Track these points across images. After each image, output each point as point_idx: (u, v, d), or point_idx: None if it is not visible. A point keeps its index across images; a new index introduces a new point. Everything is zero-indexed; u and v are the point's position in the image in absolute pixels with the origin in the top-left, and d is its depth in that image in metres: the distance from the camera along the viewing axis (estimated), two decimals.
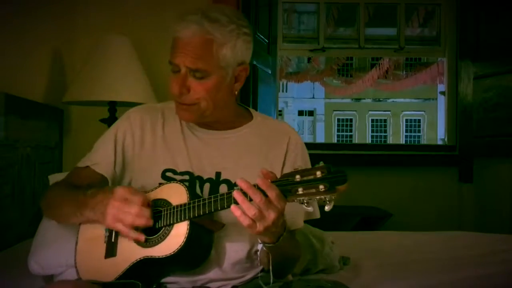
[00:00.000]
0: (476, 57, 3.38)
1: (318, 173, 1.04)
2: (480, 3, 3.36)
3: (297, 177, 1.07)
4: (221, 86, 1.30)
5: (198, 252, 1.23)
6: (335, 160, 3.57)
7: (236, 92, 1.37)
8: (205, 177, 1.33)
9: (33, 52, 2.50)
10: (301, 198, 1.07)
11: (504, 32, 3.18)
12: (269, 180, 1.09)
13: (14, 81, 2.23)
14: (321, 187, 1.03)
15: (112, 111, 2.55)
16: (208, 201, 1.17)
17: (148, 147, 1.38)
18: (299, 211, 1.34)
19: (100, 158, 1.39)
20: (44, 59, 2.68)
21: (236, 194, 1.09)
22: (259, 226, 1.09)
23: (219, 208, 1.16)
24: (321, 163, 1.06)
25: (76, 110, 2.93)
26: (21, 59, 2.35)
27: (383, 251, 2.13)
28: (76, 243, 1.32)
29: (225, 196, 1.15)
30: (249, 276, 1.31)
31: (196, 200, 1.19)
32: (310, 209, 1.08)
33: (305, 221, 1.42)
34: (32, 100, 2.33)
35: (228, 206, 1.14)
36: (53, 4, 2.71)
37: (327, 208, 1.05)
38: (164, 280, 1.26)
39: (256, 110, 3.30)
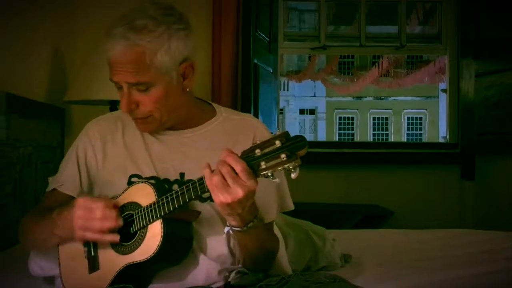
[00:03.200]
0: (478, 54, 3.37)
1: (277, 143, 1.02)
2: (481, 0, 3.35)
3: (257, 151, 1.04)
4: (169, 92, 1.27)
5: (179, 246, 1.22)
6: (337, 158, 3.58)
7: (188, 89, 1.33)
8: (171, 179, 1.31)
9: (34, 51, 2.50)
10: (265, 172, 1.04)
11: (505, 29, 3.17)
12: (227, 153, 1.07)
13: (15, 81, 2.23)
14: (283, 156, 1.01)
15: (113, 110, 2.55)
16: (175, 195, 1.16)
17: (111, 158, 1.37)
18: (271, 204, 1.33)
19: (65, 178, 1.38)
20: (45, 58, 2.68)
21: (205, 164, 1.09)
22: (222, 197, 1.07)
23: (187, 200, 1.15)
24: (278, 132, 1.04)
25: (77, 109, 2.93)
26: (22, 59, 2.35)
27: (385, 249, 2.13)
28: (59, 263, 1.33)
29: (191, 186, 1.14)
30: (233, 271, 1.30)
31: (164, 197, 1.18)
32: (277, 180, 1.05)
33: (305, 219, 1.41)
34: (33, 99, 2.33)
35: (196, 196, 1.14)
36: (54, 4, 2.71)
37: (293, 176, 1.02)
38: (155, 286, 1.25)
39: (258, 108, 3.35)
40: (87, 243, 1.27)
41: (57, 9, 2.75)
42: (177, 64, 1.27)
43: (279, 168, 1.02)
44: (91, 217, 1.19)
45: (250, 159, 1.06)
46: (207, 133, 1.37)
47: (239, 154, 1.08)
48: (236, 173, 1.06)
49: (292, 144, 1.01)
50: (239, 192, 1.06)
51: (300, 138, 1.01)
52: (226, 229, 1.19)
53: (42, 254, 1.50)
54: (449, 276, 1.67)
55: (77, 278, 1.28)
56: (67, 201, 1.35)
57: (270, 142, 1.03)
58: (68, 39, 2.88)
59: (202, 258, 1.26)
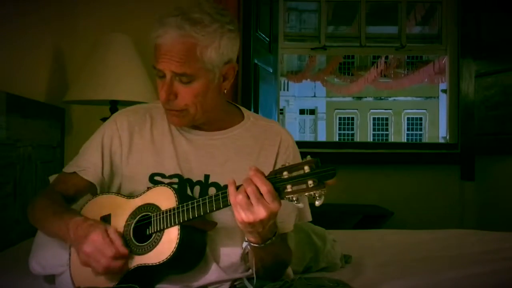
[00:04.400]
0: (478, 54, 3.37)
1: (306, 168, 1.02)
2: (481, 0, 3.35)
3: (285, 173, 1.05)
4: (209, 89, 1.28)
5: (192, 254, 1.22)
6: (337, 158, 3.58)
7: (225, 91, 1.34)
8: (194, 179, 1.31)
9: (34, 51, 2.50)
10: (290, 196, 1.04)
11: (505, 30, 3.17)
12: (254, 172, 1.06)
13: (16, 80, 2.23)
14: (310, 182, 1.01)
15: (114, 110, 2.55)
16: (196, 204, 1.15)
17: (136, 151, 1.36)
18: (289, 214, 1.33)
19: (87, 163, 1.36)
20: (45, 58, 2.68)
21: (230, 180, 1.09)
22: (244, 216, 1.08)
23: (208, 211, 1.15)
24: (308, 157, 1.04)
25: (78, 109, 2.93)
26: (22, 58, 2.35)
27: (385, 249, 2.13)
28: (70, 254, 1.31)
29: (213, 198, 1.14)
30: (242, 278, 1.30)
31: (185, 204, 1.17)
32: (300, 205, 1.06)
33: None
34: (34, 99, 2.33)
35: (217, 209, 1.13)
36: (54, 3, 2.71)
37: (317, 203, 1.02)
38: (161, 286, 1.25)
39: (258, 108, 3.35)
40: None
41: (57, 9, 2.75)
42: (222, 64, 1.28)
43: (305, 194, 1.02)
44: (96, 260, 1.17)
45: (276, 181, 1.06)
46: (235, 136, 1.38)
47: (266, 169, 1.09)
48: (261, 194, 1.06)
49: (323, 172, 1.01)
50: (262, 213, 1.06)
51: (331, 168, 1.01)
52: (245, 244, 1.19)
53: (43, 253, 1.50)
54: (449, 276, 1.67)
55: (86, 272, 1.26)
56: (85, 187, 1.35)
57: (299, 166, 1.03)
58: (68, 39, 2.87)
59: (213, 266, 1.26)
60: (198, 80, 1.26)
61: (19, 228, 2.05)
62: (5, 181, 2.00)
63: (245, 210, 1.07)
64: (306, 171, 1.02)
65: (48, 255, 1.49)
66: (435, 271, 1.74)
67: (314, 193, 1.01)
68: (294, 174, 1.04)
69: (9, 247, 1.93)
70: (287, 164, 1.06)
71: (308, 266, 1.80)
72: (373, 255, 1.97)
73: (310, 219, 1.41)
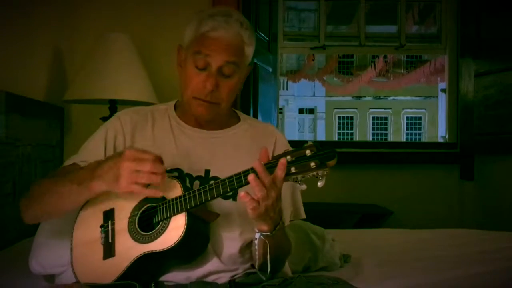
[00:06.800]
0: (477, 54, 3.37)
1: (308, 152, 1.10)
2: (481, 0, 3.35)
3: (288, 157, 1.11)
4: (238, 86, 1.38)
5: (197, 242, 1.23)
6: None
7: (239, 91, 1.44)
8: (194, 174, 1.34)
9: (34, 50, 2.50)
10: (295, 176, 1.11)
11: (505, 29, 3.17)
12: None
13: (15, 80, 2.23)
14: (312, 164, 1.09)
15: (113, 110, 2.55)
16: (203, 190, 1.18)
17: (138, 148, 1.36)
18: (286, 208, 1.38)
19: (90, 156, 1.35)
20: (45, 57, 2.68)
21: (251, 177, 1.12)
22: (261, 206, 1.13)
23: (215, 196, 1.17)
24: (309, 142, 1.12)
25: (77, 109, 2.93)
26: (22, 58, 2.35)
27: (384, 248, 2.13)
28: (71, 249, 1.31)
29: (220, 183, 1.17)
30: (240, 270, 1.31)
31: (191, 191, 1.20)
32: (303, 187, 1.13)
33: (305, 219, 1.44)
34: (33, 98, 2.33)
35: (224, 193, 1.17)
36: (54, 3, 2.71)
37: (319, 184, 1.10)
38: (161, 278, 1.25)
39: (257, 108, 3.35)
40: (105, 230, 1.27)
41: (57, 9, 2.75)
42: (248, 65, 1.41)
43: (309, 174, 1.10)
44: (140, 170, 1.16)
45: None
46: (234, 135, 1.44)
47: (269, 158, 1.14)
48: (273, 177, 1.11)
49: (323, 154, 1.09)
50: (273, 195, 1.13)
51: (331, 150, 1.09)
52: (257, 235, 1.21)
53: (43, 253, 1.50)
54: (448, 276, 1.67)
55: (90, 264, 1.27)
56: None
57: (301, 151, 1.11)
58: (68, 39, 2.87)
59: (213, 257, 1.28)
60: (236, 75, 1.35)
61: (19, 227, 2.05)
62: (4, 180, 2.00)
63: (263, 201, 1.12)
64: (308, 154, 1.10)
65: (48, 255, 1.49)
66: (434, 270, 1.75)
67: (317, 173, 1.09)
68: (297, 157, 1.11)
69: (8, 246, 1.93)
70: (289, 149, 1.13)
71: (307, 266, 1.80)
72: (372, 255, 1.97)
73: (304, 216, 1.46)
